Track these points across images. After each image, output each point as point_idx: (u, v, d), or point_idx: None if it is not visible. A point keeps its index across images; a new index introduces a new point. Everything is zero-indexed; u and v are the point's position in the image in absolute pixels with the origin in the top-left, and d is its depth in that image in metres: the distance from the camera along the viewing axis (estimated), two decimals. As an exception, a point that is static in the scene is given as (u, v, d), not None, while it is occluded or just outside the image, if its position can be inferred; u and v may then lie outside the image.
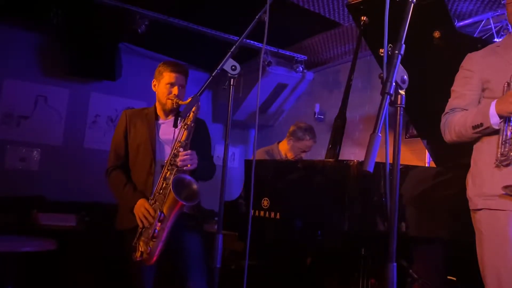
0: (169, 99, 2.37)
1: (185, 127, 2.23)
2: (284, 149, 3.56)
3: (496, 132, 1.76)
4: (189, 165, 2.22)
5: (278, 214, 2.35)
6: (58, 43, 4.70)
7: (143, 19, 4.04)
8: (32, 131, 4.65)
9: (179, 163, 2.20)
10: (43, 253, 3.20)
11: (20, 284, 3.24)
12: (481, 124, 1.76)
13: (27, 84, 4.66)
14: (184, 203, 2.14)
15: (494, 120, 1.73)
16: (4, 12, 4.41)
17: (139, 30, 4.05)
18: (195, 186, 2.22)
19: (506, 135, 1.72)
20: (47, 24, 4.16)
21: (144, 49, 5.19)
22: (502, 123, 1.73)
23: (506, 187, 1.70)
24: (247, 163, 2.79)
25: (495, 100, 1.74)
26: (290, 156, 3.53)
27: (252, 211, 2.30)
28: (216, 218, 3.72)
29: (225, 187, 1.74)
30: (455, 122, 1.88)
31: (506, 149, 1.72)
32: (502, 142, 1.72)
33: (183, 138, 2.22)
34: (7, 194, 4.19)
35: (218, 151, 5.65)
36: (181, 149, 2.21)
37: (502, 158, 1.72)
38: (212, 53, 2.42)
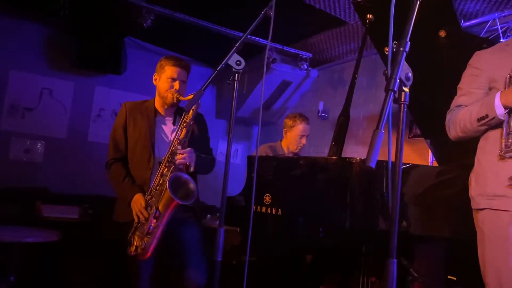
0: (169, 93, 2.36)
1: (184, 124, 2.22)
2: (286, 144, 3.59)
3: (501, 127, 1.75)
4: (187, 163, 2.21)
5: (279, 210, 2.35)
6: (64, 36, 4.72)
7: (149, 13, 4.05)
8: (36, 123, 4.67)
9: (176, 161, 2.20)
10: (46, 244, 3.22)
11: (22, 274, 3.26)
12: (486, 116, 1.76)
13: (33, 76, 4.68)
14: (180, 202, 2.14)
15: (499, 110, 1.72)
16: (11, 4, 4.43)
17: (144, 25, 4.06)
18: (191, 185, 2.22)
19: (510, 126, 1.72)
20: (54, 16, 4.17)
21: (149, 43, 5.20)
22: (506, 115, 1.73)
23: (511, 178, 1.70)
24: (250, 159, 2.79)
25: (500, 91, 1.75)
26: (292, 148, 3.54)
27: (254, 207, 2.32)
28: (218, 214, 3.73)
29: (228, 183, 1.75)
30: (460, 117, 1.88)
31: (510, 141, 1.72)
32: (506, 134, 1.73)
33: (182, 135, 2.22)
34: (11, 185, 4.22)
35: (221, 147, 5.66)
36: (179, 147, 2.21)
37: (506, 150, 1.72)
38: (217, 49, 2.42)
